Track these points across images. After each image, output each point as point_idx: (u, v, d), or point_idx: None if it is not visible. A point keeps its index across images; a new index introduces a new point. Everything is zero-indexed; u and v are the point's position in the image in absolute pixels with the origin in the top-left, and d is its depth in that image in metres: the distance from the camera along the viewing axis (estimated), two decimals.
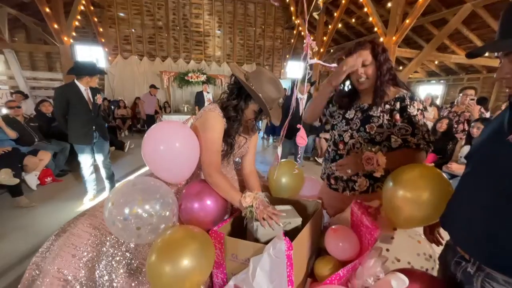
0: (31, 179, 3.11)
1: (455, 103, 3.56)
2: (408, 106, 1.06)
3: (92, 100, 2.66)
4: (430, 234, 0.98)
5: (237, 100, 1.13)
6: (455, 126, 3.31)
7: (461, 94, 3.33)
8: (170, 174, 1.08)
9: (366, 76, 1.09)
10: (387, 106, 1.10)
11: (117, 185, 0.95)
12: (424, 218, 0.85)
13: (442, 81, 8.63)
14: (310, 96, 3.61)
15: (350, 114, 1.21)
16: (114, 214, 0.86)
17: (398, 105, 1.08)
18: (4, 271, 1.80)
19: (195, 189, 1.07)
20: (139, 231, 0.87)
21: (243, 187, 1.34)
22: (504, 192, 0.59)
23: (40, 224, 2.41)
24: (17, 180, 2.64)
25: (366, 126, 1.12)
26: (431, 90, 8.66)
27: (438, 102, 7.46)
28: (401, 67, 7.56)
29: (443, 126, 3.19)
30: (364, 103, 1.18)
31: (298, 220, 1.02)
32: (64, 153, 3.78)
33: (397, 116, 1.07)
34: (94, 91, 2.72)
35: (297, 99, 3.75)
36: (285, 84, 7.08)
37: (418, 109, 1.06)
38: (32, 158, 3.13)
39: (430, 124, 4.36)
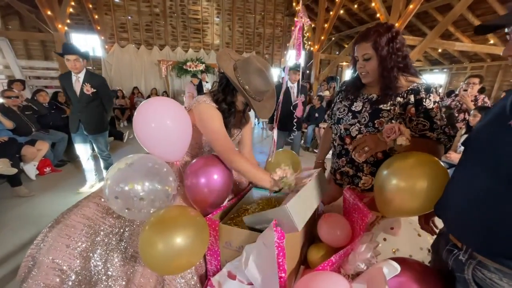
0: (30, 169, 3.12)
1: (457, 92, 3.49)
2: (424, 99, 0.97)
3: (81, 88, 2.52)
4: (425, 224, 0.98)
5: (226, 91, 1.10)
6: (456, 115, 3.26)
7: (465, 82, 3.25)
8: (163, 151, 1.05)
9: (367, 71, 1.03)
10: (399, 99, 1.01)
11: (115, 164, 0.91)
12: (418, 209, 0.83)
13: (445, 70, 8.48)
14: (301, 87, 3.45)
15: (357, 106, 1.13)
16: (114, 191, 0.84)
17: (412, 98, 0.99)
18: (4, 259, 1.83)
19: (199, 164, 1.06)
20: (142, 205, 0.85)
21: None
22: (502, 177, 0.57)
23: (39, 213, 2.44)
24: (15, 170, 2.64)
25: (375, 122, 1.04)
26: (433, 79, 8.54)
27: (440, 91, 7.36)
28: None
29: None
30: (372, 94, 1.10)
31: None
32: (63, 143, 3.77)
33: (412, 110, 0.99)
34: (92, 79, 2.56)
35: (288, 87, 3.57)
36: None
37: (434, 102, 0.97)
38: (30, 148, 3.12)
39: None
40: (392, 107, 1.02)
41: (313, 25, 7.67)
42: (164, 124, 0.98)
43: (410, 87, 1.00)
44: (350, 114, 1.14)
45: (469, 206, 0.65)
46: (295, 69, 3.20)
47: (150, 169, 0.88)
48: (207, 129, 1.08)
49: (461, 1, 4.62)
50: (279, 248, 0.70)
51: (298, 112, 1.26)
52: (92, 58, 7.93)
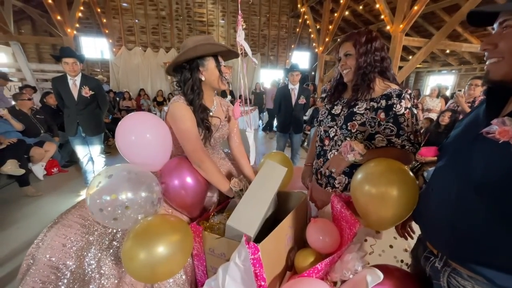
0: (38, 169, 3.22)
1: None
2: (395, 105, 0.99)
3: (79, 91, 2.57)
4: (402, 229, 0.98)
5: (190, 73, 1.14)
6: (460, 118, 3.20)
7: (468, 84, 3.18)
8: (145, 163, 1.11)
9: (349, 67, 1.08)
10: (372, 103, 1.04)
11: (98, 171, 0.97)
12: (392, 217, 0.83)
13: (453, 71, 8.30)
14: (303, 89, 3.28)
15: (337, 109, 1.18)
16: (97, 202, 0.88)
17: (384, 103, 1.01)
18: (11, 256, 1.91)
19: (172, 165, 1.12)
20: (124, 216, 0.89)
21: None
22: (472, 184, 0.58)
23: (46, 212, 2.52)
24: (22, 171, 2.74)
25: (348, 124, 1.08)
26: (442, 81, 8.37)
27: (448, 93, 7.20)
28: (410, 57, 7.29)
29: (445, 119, 3.08)
30: (351, 97, 1.14)
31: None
32: (69, 144, 3.88)
33: (382, 115, 1.01)
34: (88, 82, 2.60)
35: (289, 89, 3.51)
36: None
37: (405, 108, 0.99)
38: (38, 149, 3.23)
39: (434, 116, 4.23)
40: (365, 111, 1.06)
41: (318, 26, 7.65)
42: (144, 138, 1.05)
43: (384, 92, 1.03)
44: (329, 116, 1.19)
45: (442, 212, 0.65)
46: (294, 70, 3.10)
47: (131, 178, 0.92)
48: (178, 129, 1.12)
49: (469, 1, 4.53)
50: (256, 261, 0.71)
51: (236, 114, 1.28)
52: (100, 60, 8.15)
